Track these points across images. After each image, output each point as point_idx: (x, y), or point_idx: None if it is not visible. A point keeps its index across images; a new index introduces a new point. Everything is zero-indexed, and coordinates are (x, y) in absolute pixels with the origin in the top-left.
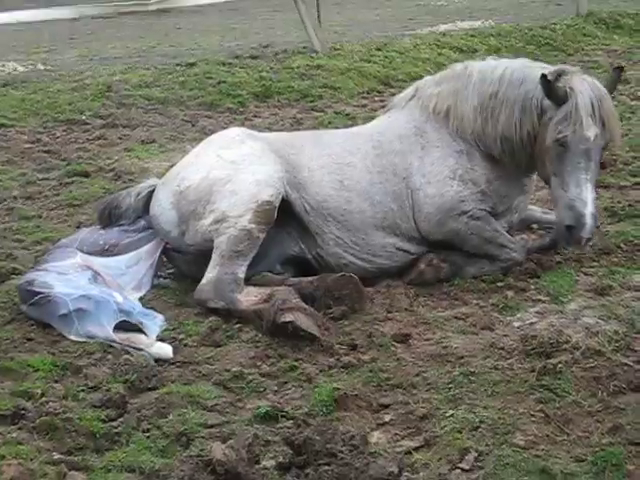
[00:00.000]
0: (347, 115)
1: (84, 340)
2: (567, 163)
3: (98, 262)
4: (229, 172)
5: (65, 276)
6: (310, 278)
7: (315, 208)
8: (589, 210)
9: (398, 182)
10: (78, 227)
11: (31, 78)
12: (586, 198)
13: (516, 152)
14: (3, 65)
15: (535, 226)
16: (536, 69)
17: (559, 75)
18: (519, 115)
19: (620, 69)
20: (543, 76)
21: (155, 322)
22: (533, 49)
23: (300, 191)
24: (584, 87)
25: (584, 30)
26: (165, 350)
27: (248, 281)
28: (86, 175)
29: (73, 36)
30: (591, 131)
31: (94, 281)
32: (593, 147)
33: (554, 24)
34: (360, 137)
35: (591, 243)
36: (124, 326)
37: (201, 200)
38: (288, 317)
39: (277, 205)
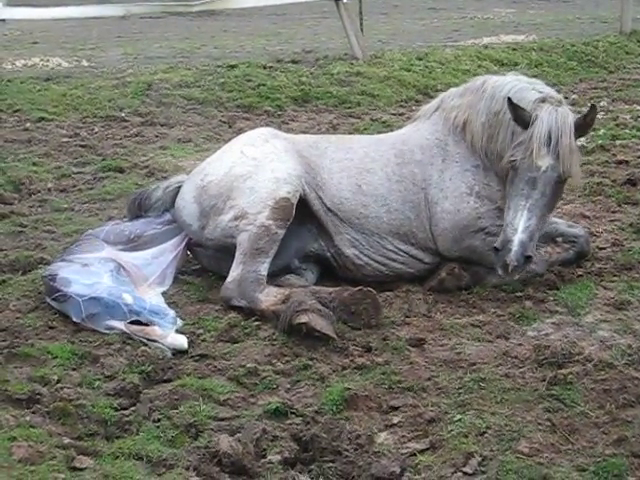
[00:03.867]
0: (384, 123)
1: (104, 331)
2: (513, 187)
3: (124, 255)
4: (250, 169)
5: (88, 268)
6: (329, 289)
7: (332, 209)
8: (518, 237)
9: (417, 192)
10: (108, 221)
11: (74, 74)
12: (517, 225)
13: None
14: (48, 60)
15: (560, 239)
16: (531, 92)
17: (542, 101)
18: (511, 137)
19: (593, 107)
20: (509, 99)
21: (166, 320)
22: (574, 65)
23: (318, 191)
24: (549, 117)
25: (626, 48)
26: (180, 341)
27: (272, 279)
28: (120, 171)
29: (121, 34)
30: (543, 161)
31: (116, 273)
32: (541, 177)
33: (597, 41)
34: (384, 145)
35: (521, 272)
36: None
37: (222, 195)
38: (303, 318)
39: (295, 202)
